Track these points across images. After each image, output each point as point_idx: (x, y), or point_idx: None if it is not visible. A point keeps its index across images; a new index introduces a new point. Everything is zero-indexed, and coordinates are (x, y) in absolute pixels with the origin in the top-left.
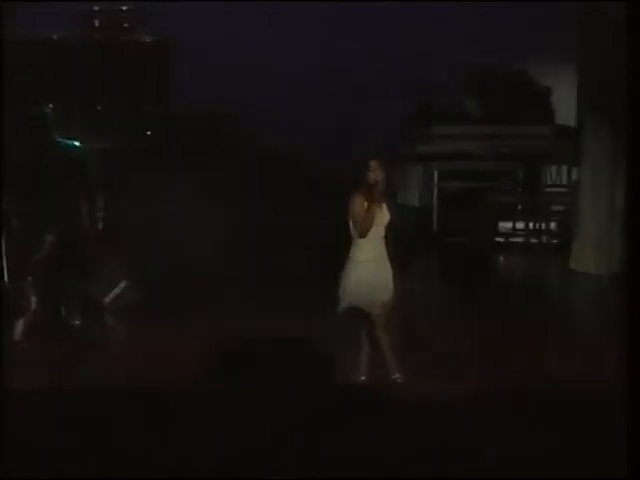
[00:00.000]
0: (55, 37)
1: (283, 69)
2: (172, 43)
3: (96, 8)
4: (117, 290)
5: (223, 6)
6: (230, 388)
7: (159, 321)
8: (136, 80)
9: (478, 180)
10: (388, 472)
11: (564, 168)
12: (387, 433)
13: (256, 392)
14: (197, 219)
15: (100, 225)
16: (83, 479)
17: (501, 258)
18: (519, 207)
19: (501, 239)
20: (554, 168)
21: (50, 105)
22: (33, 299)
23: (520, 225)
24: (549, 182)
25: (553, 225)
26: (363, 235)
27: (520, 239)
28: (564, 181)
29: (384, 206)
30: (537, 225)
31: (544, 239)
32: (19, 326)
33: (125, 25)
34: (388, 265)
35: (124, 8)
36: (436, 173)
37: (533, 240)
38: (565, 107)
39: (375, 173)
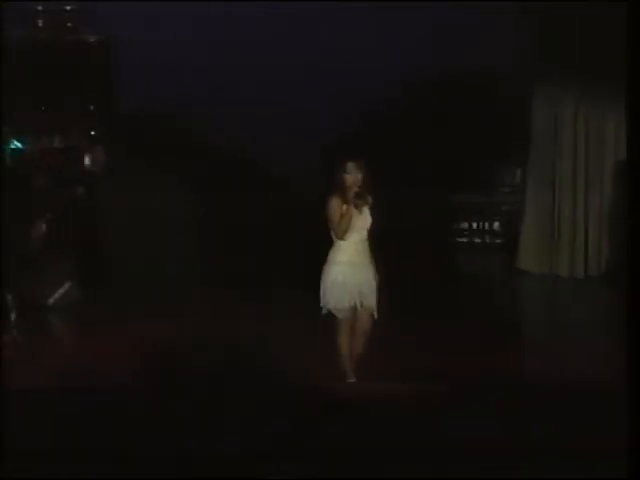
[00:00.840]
0: None
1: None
2: (114, 42)
3: (39, 8)
4: (61, 291)
5: (165, 6)
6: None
7: (105, 321)
8: (79, 79)
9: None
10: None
11: (511, 170)
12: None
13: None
14: (146, 217)
15: (45, 226)
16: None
17: (449, 257)
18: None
19: (451, 238)
20: (502, 169)
21: None
22: None
23: (468, 225)
24: (497, 183)
25: (498, 225)
26: (339, 237)
27: (467, 239)
28: (511, 182)
29: (365, 209)
30: (484, 225)
31: (489, 239)
32: None
33: (69, 25)
34: (367, 270)
35: (68, 8)
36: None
37: (480, 240)
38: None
39: (352, 175)
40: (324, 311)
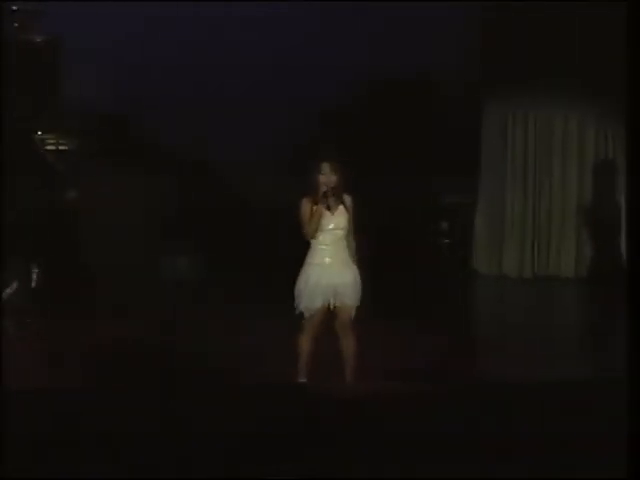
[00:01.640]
0: None
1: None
2: (62, 43)
3: None
4: (9, 290)
5: (114, 6)
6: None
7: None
8: (26, 80)
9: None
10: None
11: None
12: None
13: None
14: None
15: None
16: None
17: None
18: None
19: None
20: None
21: None
22: None
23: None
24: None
25: (448, 225)
26: (309, 237)
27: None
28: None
29: (340, 208)
30: (438, 226)
31: (442, 239)
32: None
33: (15, 25)
34: (343, 270)
35: (14, 8)
36: None
37: (433, 240)
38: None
39: (325, 176)
40: (297, 311)
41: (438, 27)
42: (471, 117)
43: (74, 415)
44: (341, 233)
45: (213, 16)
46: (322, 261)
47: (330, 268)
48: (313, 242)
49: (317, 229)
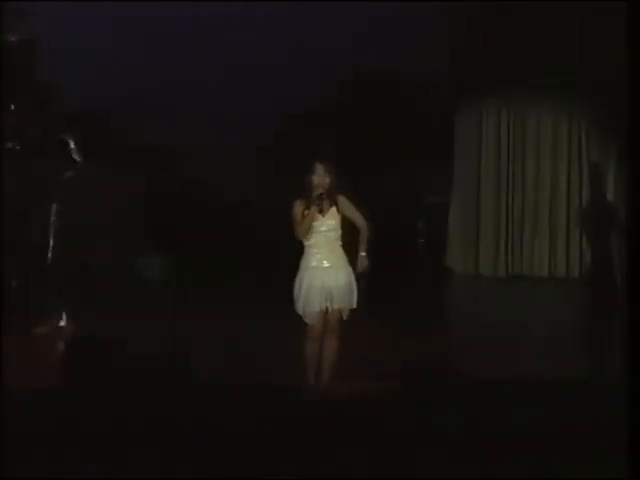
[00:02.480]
0: None
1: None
2: (40, 43)
3: None
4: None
5: (93, 7)
6: None
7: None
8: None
9: None
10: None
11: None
12: None
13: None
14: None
15: None
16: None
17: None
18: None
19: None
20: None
21: None
22: None
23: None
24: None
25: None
26: (300, 239)
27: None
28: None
29: (332, 210)
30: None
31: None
32: None
33: None
34: (337, 272)
35: None
36: None
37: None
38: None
39: (320, 177)
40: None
41: (418, 27)
42: (445, 117)
43: (74, 415)
44: (334, 235)
45: (207, 16)
46: (316, 264)
47: (324, 271)
48: (306, 245)
49: (308, 231)
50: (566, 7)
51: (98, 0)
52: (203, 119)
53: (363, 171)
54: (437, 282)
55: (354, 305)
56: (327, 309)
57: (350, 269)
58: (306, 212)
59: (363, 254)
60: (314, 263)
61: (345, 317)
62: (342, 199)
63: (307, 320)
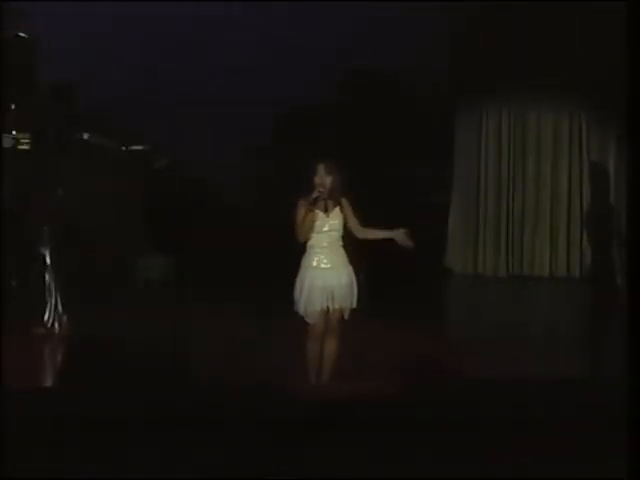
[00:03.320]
0: None
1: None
2: (39, 43)
3: None
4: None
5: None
6: None
7: None
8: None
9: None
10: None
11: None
12: None
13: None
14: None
15: None
16: (83, 479)
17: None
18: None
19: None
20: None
21: None
22: None
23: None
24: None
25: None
26: (300, 239)
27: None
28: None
29: (336, 210)
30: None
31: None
32: None
33: None
34: (339, 272)
35: None
36: None
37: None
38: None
39: (320, 177)
40: (299, 315)
41: (419, 27)
42: (445, 117)
43: (74, 415)
44: (336, 235)
45: (207, 16)
46: (317, 264)
47: (326, 270)
48: (308, 245)
49: (309, 232)
50: (566, 7)
51: (98, 0)
52: (203, 119)
53: (363, 171)
54: (437, 282)
55: (354, 305)
56: (328, 308)
57: (351, 268)
58: (306, 213)
59: (398, 230)
60: (316, 263)
61: (346, 317)
62: (345, 200)
63: (308, 319)
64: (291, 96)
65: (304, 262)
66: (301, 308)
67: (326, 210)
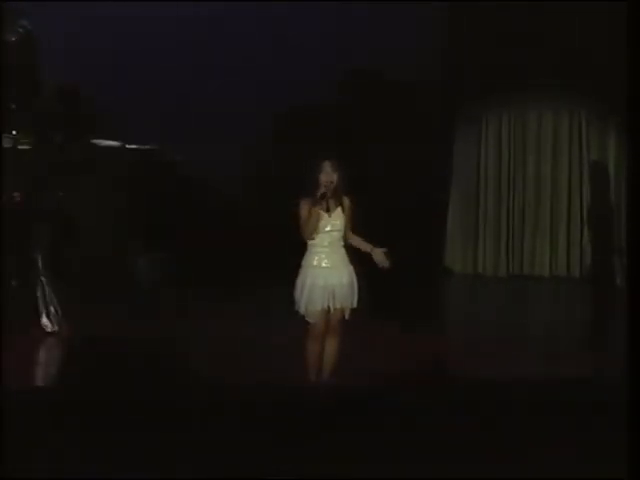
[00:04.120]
0: None
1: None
2: (39, 42)
3: None
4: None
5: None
6: None
7: None
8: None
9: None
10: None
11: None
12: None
13: None
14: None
15: None
16: (83, 479)
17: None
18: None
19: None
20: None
21: None
22: None
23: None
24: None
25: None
26: (305, 238)
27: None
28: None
29: (338, 210)
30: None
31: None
32: None
33: None
34: (340, 272)
35: None
36: None
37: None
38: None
39: (328, 174)
40: (299, 314)
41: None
42: (445, 116)
43: (74, 415)
44: (338, 235)
45: (207, 16)
46: (318, 263)
47: (327, 270)
48: (310, 244)
49: (314, 230)
50: (566, 7)
51: (98, 0)
52: (203, 118)
53: (363, 171)
54: (436, 282)
55: (355, 305)
56: (329, 308)
57: (351, 268)
58: (311, 211)
59: (379, 249)
60: (317, 262)
61: (347, 317)
62: (346, 200)
63: (309, 319)
64: (291, 96)
65: (305, 261)
66: (302, 307)
67: (328, 210)
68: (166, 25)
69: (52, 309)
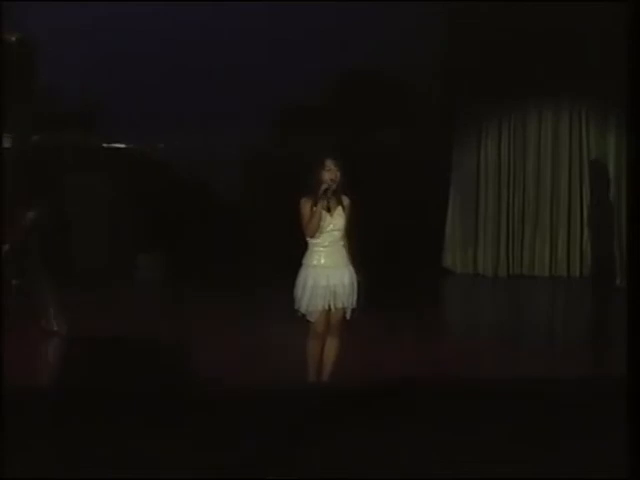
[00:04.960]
0: None
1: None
2: (37, 42)
3: None
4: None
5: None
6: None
7: None
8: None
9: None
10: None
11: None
12: None
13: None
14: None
15: None
16: (83, 479)
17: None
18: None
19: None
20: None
21: None
22: None
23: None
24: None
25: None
26: (309, 237)
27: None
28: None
29: (339, 209)
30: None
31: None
32: None
33: None
34: (341, 271)
35: None
36: None
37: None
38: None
39: (331, 172)
40: (299, 314)
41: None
42: (445, 116)
43: (74, 414)
44: (339, 234)
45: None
46: (319, 262)
47: (328, 269)
48: (310, 243)
49: (318, 229)
50: (566, 7)
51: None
52: (203, 118)
53: (363, 170)
54: (436, 282)
55: (354, 305)
56: (330, 307)
57: (352, 268)
58: (314, 209)
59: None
60: (317, 261)
61: (348, 316)
62: (346, 199)
63: (310, 319)
64: (291, 96)
65: (306, 260)
66: (303, 307)
67: (329, 210)
68: (163, 24)
69: (52, 309)
